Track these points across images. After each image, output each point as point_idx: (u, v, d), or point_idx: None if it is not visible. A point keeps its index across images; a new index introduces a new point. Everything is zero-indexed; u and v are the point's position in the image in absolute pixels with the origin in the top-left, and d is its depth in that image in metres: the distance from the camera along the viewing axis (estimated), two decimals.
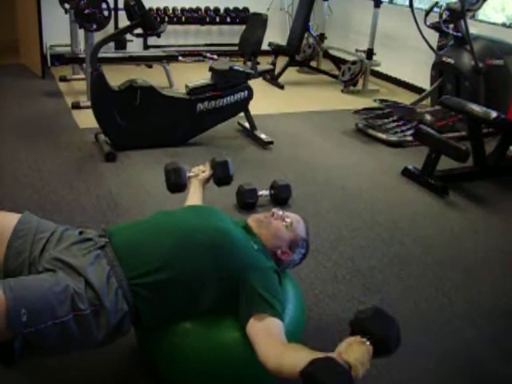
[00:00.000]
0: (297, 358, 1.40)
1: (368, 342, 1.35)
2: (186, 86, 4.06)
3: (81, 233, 1.79)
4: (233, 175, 2.42)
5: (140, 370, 1.98)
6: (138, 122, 3.92)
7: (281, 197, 3.30)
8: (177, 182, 2.36)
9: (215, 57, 5.06)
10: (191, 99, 4.02)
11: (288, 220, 1.95)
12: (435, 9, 4.91)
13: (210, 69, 4.05)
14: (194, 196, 2.33)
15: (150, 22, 3.60)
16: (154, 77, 5.19)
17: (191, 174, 2.41)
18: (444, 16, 4.66)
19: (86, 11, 4.52)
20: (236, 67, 3.99)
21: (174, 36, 7.04)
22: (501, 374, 2.11)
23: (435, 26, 4.79)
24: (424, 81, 5.82)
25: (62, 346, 1.55)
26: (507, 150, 4.05)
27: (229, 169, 2.39)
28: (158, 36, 3.81)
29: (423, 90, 5.76)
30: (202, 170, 2.43)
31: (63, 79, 5.81)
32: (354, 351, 1.33)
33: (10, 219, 1.78)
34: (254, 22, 4.27)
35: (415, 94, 5.98)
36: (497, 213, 3.51)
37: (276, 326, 1.61)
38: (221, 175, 2.40)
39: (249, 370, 1.75)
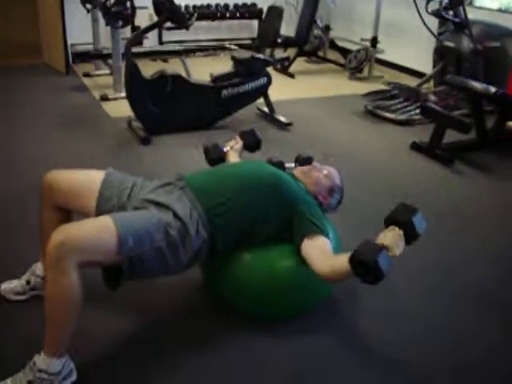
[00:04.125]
0: (344, 257, 1.82)
1: (397, 228, 1.80)
2: (211, 75, 4.44)
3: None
4: (261, 140, 2.77)
5: (206, 303, 2.37)
6: (169, 108, 4.30)
7: None
8: (215, 156, 2.66)
9: (233, 47, 5.42)
10: (216, 86, 4.40)
11: (325, 171, 2.35)
12: None
13: (233, 58, 4.43)
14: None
15: (180, 17, 3.98)
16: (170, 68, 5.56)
17: (227, 148, 2.70)
18: (444, 3, 5.04)
19: (113, 9, 4.91)
20: (257, 55, 4.38)
21: (186, 31, 7.39)
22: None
23: (436, 13, 5.17)
24: (425, 65, 6.20)
25: (158, 268, 1.92)
26: (505, 123, 4.43)
27: (256, 134, 2.75)
28: (187, 29, 4.19)
29: (424, 74, 6.13)
30: (235, 143, 2.73)
31: (87, 75, 6.18)
32: (387, 237, 1.80)
33: (98, 174, 2.17)
34: (271, 15, 4.65)
35: (417, 78, 6.33)
36: (497, 177, 3.91)
37: (325, 242, 2.05)
38: (251, 141, 2.74)
39: (299, 293, 2.19)
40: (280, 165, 2.61)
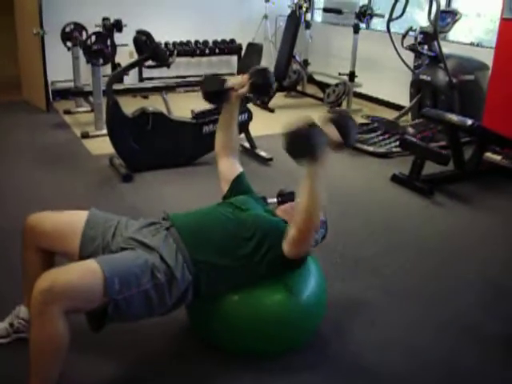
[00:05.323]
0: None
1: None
2: (192, 111, 4.48)
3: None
4: (272, 84, 2.35)
5: (191, 341, 2.35)
6: (150, 144, 4.32)
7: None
8: (211, 88, 2.25)
9: None
10: (197, 123, 4.44)
11: None
12: (410, 32, 5.42)
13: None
14: (231, 115, 2.43)
15: (162, 55, 4.03)
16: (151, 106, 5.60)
17: (230, 85, 2.30)
18: (419, 38, 5.17)
19: (94, 47, 4.95)
20: None
21: (166, 68, 7.47)
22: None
23: (411, 48, 5.30)
24: (402, 98, 6.34)
25: (143, 311, 1.91)
26: (483, 154, 4.51)
27: (268, 76, 2.30)
28: (168, 67, 4.24)
29: (401, 107, 6.27)
30: (241, 84, 2.31)
31: (67, 112, 6.18)
32: None
33: (81, 214, 2.16)
34: (251, 51, 4.73)
35: (394, 111, 6.47)
36: (476, 208, 3.97)
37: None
38: (260, 83, 2.28)
39: (285, 328, 2.21)
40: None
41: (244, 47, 7.33)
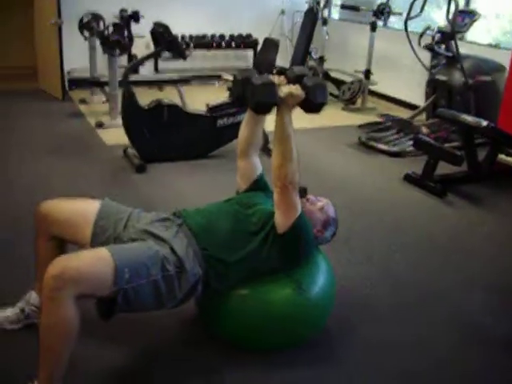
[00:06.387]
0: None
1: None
2: (207, 105, 4.49)
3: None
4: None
5: (199, 333, 2.37)
6: (164, 136, 4.34)
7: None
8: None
9: (230, 78, 5.48)
10: (212, 116, 4.45)
11: (320, 204, 2.36)
12: (428, 32, 5.39)
13: (229, 88, 4.48)
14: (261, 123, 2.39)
15: (178, 47, 4.05)
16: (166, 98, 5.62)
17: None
18: (436, 38, 5.14)
19: (111, 38, 4.98)
20: None
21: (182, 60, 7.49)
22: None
23: (429, 47, 5.27)
24: (417, 98, 6.31)
25: (152, 302, 1.93)
26: (497, 156, 4.49)
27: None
28: (184, 59, 4.26)
29: (416, 107, 6.23)
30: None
31: (83, 101, 6.23)
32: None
33: (94, 204, 2.17)
34: (267, 46, 4.74)
35: (409, 110, 6.43)
36: (488, 209, 3.94)
37: None
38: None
39: (293, 323, 2.21)
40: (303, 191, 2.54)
41: (260, 42, 7.36)
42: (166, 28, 3.95)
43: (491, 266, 3.14)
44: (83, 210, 2.15)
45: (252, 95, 2.05)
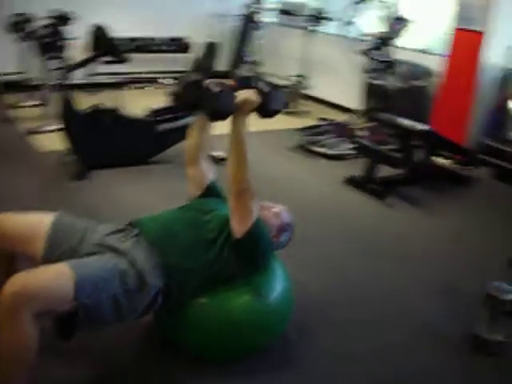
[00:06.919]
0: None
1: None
2: (149, 109, 4.41)
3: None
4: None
5: (158, 343, 2.33)
6: (105, 142, 4.23)
7: None
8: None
9: (165, 82, 5.43)
10: (154, 120, 4.38)
11: (274, 210, 2.37)
12: (363, 37, 5.53)
13: (171, 93, 4.40)
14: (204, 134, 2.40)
15: (118, 51, 3.95)
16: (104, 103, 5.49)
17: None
18: (372, 44, 5.29)
19: (44, 40, 4.81)
20: None
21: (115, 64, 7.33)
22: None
23: (364, 53, 5.41)
24: (352, 102, 6.45)
25: (113, 315, 1.88)
26: (430, 158, 4.66)
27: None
28: (124, 63, 4.17)
29: (351, 111, 6.38)
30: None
31: (13, 106, 5.96)
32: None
33: (47, 217, 2.09)
34: (208, 50, 4.71)
35: (344, 114, 6.57)
36: (427, 211, 4.09)
37: None
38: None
39: (251, 330, 2.20)
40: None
41: (194, 45, 7.33)
42: (105, 31, 3.85)
43: (436, 267, 3.25)
44: (36, 223, 2.06)
45: (209, 103, 2.01)
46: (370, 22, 6.08)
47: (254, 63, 7.36)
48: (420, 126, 4.22)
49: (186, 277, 2.04)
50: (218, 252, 2.11)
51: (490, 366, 2.39)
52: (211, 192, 2.42)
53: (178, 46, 7.50)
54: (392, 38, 5.35)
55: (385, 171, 4.39)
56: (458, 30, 5.06)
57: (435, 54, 5.70)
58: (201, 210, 2.25)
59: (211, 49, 4.63)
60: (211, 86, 2.02)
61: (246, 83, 2.15)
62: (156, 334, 2.37)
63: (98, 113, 4.16)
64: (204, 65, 4.95)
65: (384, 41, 5.26)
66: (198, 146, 2.40)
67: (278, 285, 2.30)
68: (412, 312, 2.76)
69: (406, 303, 2.84)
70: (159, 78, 5.75)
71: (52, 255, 1.99)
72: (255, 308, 2.20)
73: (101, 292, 1.80)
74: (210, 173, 2.45)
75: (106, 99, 5.18)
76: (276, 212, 2.38)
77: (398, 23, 5.29)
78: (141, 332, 2.37)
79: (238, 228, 2.08)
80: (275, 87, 2.16)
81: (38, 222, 2.07)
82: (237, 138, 2.07)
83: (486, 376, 2.35)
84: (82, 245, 2.02)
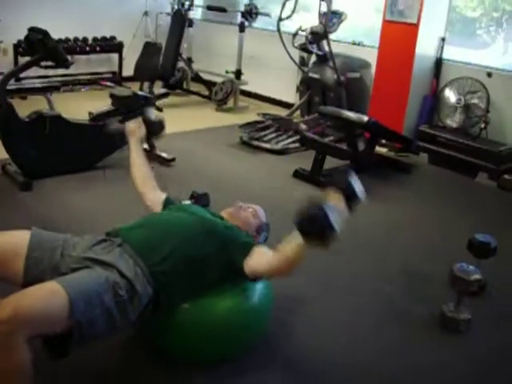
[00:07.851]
0: (290, 240, 1.87)
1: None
2: (90, 113, 4.29)
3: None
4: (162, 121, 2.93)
5: (142, 348, 2.29)
6: (49, 150, 4.08)
7: (202, 204, 3.68)
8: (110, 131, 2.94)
9: (109, 84, 5.29)
10: (97, 124, 4.26)
11: (251, 210, 2.39)
12: (300, 32, 5.61)
13: (111, 95, 4.30)
14: (139, 156, 2.65)
15: (61, 55, 3.81)
16: (32, 108, 5.24)
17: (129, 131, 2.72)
18: (309, 38, 5.37)
19: None
20: (139, 92, 4.32)
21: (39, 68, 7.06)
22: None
23: (302, 47, 5.49)
24: (288, 96, 6.55)
25: (106, 329, 1.84)
26: (375, 148, 4.80)
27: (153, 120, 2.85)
28: (67, 67, 4.03)
29: (287, 104, 6.48)
30: (138, 127, 2.74)
31: None
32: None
33: (23, 235, 2.01)
34: (149, 51, 4.63)
35: (281, 108, 6.66)
36: (378, 198, 4.19)
37: (260, 248, 2.11)
38: (156, 128, 2.87)
39: (235, 331, 2.22)
40: (206, 196, 2.73)
41: (125, 45, 7.20)
42: (45, 34, 3.71)
43: (396, 251, 3.37)
44: (13, 243, 1.98)
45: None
46: (306, 17, 6.19)
47: (188, 60, 7.33)
48: (366, 118, 4.35)
49: (175, 282, 2.02)
50: (208, 256, 2.10)
51: (459, 342, 2.52)
52: (170, 205, 2.45)
53: (109, 45, 7.32)
54: (328, 32, 5.45)
55: (331, 163, 4.48)
56: (389, 22, 5.24)
57: (368, 47, 5.88)
58: (182, 210, 2.29)
59: (152, 49, 4.56)
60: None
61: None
62: (137, 341, 2.33)
63: (40, 119, 4.01)
64: (147, 66, 4.88)
65: (322, 35, 5.34)
66: (145, 176, 2.51)
67: (259, 283, 2.31)
68: (378, 297, 2.85)
69: (372, 288, 2.93)
70: (96, 79, 5.59)
71: (32, 274, 1.92)
72: (240, 308, 2.21)
73: (94, 308, 1.75)
74: (160, 193, 2.51)
75: (34, 104, 5.02)
76: (254, 213, 2.41)
77: (333, 17, 5.39)
78: (126, 338, 2.32)
79: (255, 275, 2.11)
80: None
81: (15, 243, 1.98)
82: (300, 253, 1.93)
83: (455, 351, 2.47)
84: (63, 260, 1.96)
